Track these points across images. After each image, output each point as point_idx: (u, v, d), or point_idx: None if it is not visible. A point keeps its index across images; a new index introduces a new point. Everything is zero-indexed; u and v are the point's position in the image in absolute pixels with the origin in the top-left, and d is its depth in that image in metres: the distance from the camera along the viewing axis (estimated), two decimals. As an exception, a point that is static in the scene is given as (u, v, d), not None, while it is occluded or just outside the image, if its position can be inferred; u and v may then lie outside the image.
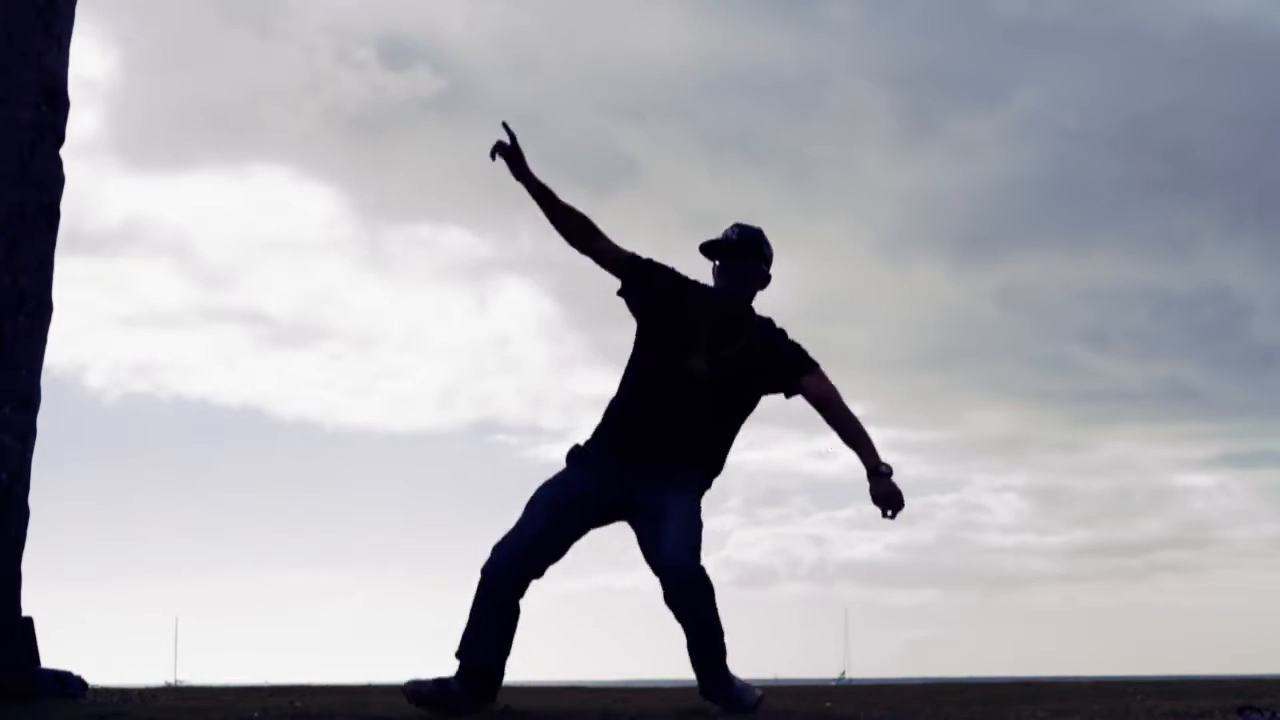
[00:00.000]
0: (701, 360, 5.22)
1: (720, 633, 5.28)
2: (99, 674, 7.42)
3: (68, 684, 6.54)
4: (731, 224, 5.36)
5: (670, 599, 5.18)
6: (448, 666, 5.26)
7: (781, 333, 5.36)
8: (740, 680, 5.43)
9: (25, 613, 6.53)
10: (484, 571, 5.19)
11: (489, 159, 5.24)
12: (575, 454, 5.36)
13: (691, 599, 5.17)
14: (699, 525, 5.22)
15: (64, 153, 6.81)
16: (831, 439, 5.28)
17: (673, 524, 5.16)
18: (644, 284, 5.33)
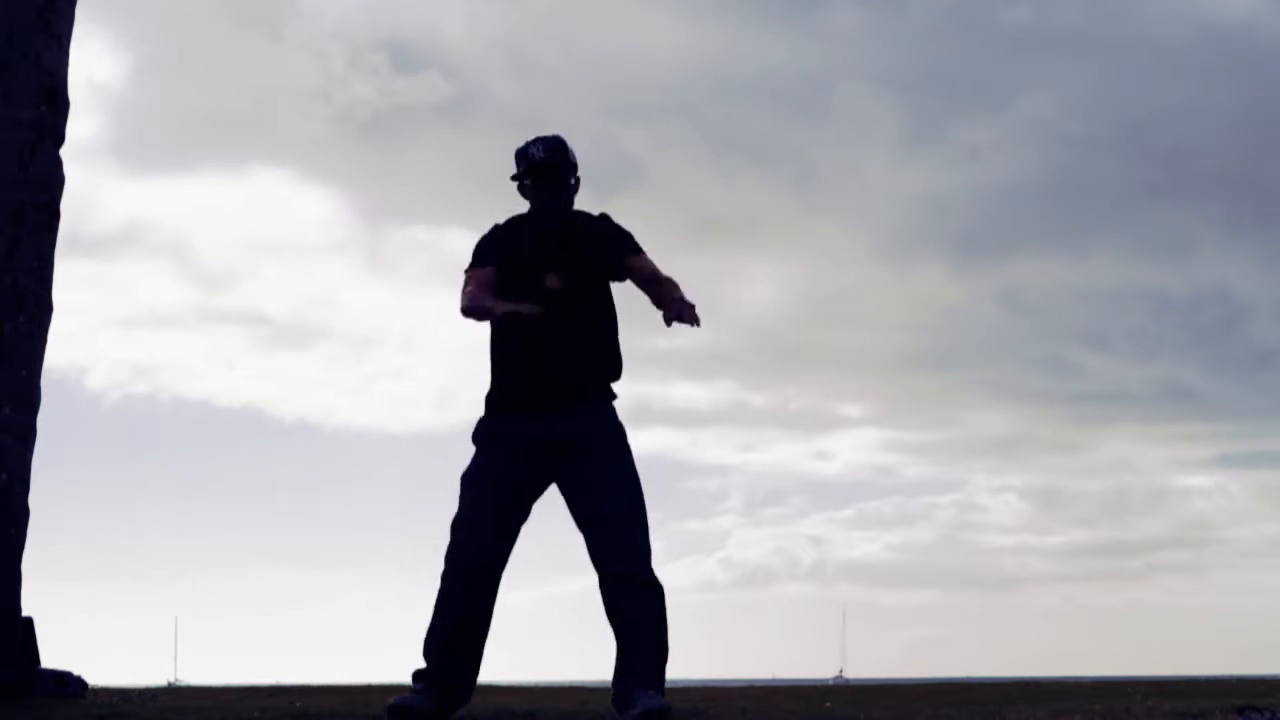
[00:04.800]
0: (555, 279, 5.20)
1: (664, 647, 5.15)
2: (99, 674, 7.43)
3: (68, 684, 6.55)
4: (533, 139, 5.36)
5: (611, 606, 5.11)
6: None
7: (604, 219, 5.36)
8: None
9: (25, 613, 6.53)
10: (445, 576, 5.12)
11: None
12: (479, 432, 5.26)
13: (640, 608, 5.10)
14: (642, 503, 5.11)
15: (66, 155, 6.81)
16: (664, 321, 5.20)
17: (615, 514, 5.07)
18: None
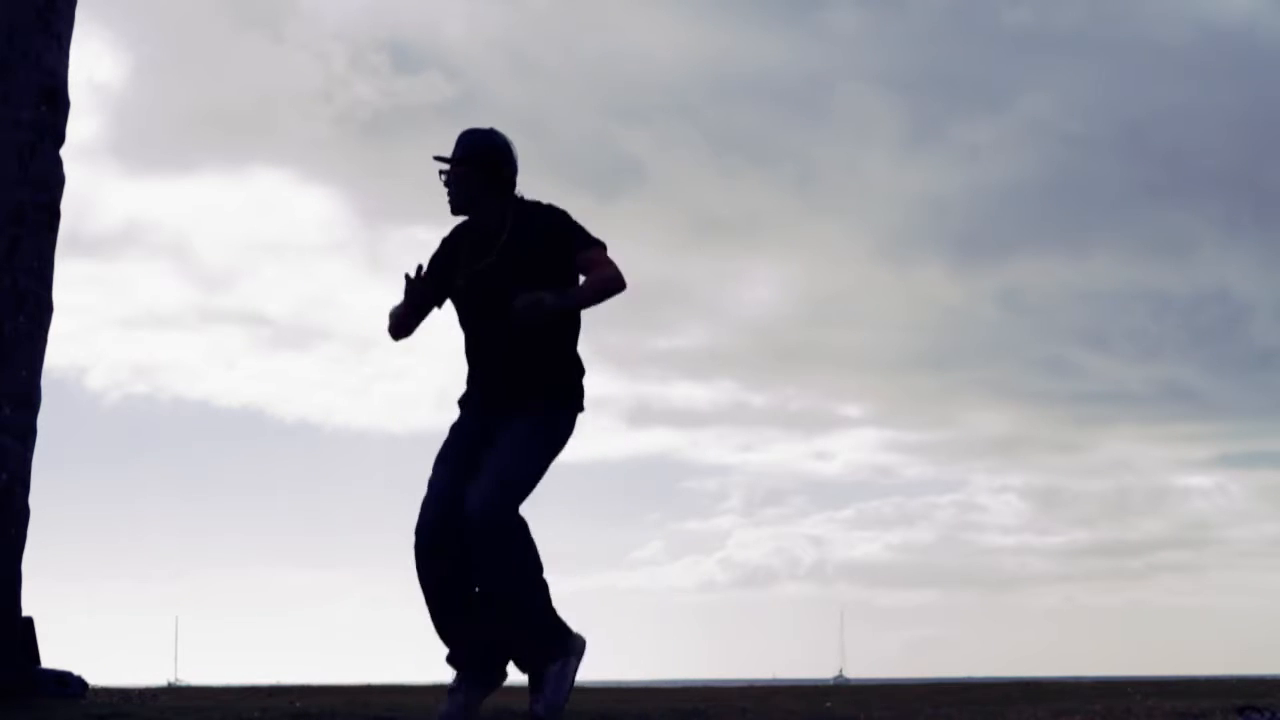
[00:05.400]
0: (461, 279, 5.14)
1: (518, 586, 4.95)
2: (99, 674, 7.43)
3: (68, 684, 6.55)
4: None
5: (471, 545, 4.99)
6: (447, 667, 5.26)
7: (556, 213, 5.17)
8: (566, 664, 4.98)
9: (25, 613, 6.53)
10: (415, 544, 5.10)
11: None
12: (461, 400, 5.30)
13: (482, 546, 4.95)
14: (528, 459, 5.03)
15: (66, 155, 6.81)
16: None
17: (492, 461, 5.01)
18: (436, 285, 5.25)
